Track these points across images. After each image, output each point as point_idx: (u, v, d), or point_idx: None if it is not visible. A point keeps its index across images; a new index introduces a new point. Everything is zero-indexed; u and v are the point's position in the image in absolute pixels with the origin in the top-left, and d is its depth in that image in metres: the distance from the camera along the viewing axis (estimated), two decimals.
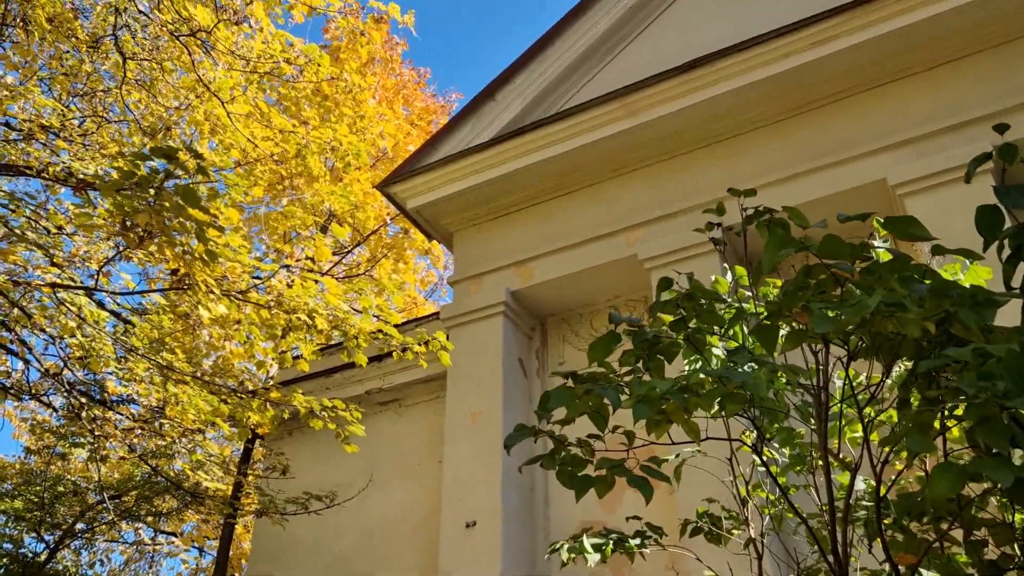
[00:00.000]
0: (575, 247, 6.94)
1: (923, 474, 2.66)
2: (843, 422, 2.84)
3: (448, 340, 6.02)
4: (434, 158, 7.61)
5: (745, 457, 3.10)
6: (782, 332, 2.39)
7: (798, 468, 3.16)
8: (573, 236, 6.98)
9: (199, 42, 6.94)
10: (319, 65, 6.07)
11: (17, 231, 7.11)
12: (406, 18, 7.40)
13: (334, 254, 11.34)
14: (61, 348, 6.90)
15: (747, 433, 2.86)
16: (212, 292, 5.20)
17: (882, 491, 2.32)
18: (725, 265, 3.16)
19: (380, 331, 5.76)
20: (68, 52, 7.96)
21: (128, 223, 4.25)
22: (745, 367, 2.36)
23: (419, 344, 5.99)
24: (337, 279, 10.79)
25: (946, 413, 1.95)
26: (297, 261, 8.88)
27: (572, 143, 6.93)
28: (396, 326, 5.76)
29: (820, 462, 2.71)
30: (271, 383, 8.76)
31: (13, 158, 6.99)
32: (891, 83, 6.02)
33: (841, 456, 2.73)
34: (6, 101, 7.11)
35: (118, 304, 7.20)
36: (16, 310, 6.53)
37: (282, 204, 9.90)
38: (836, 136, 6.10)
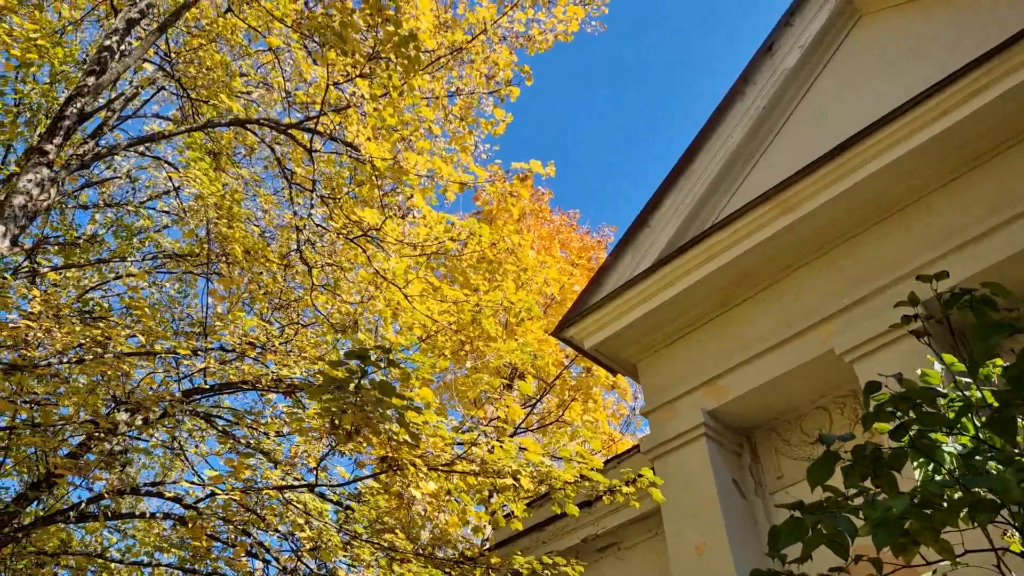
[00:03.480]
0: (764, 354, 6.70)
1: None
2: None
3: (654, 473, 5.87)
4: (601, 295, 7.72)
5: (1019, 561, 2.76)
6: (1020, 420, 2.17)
7: None
8: (759, 343, 6.75)
9: (370, 239, 7.61)
10: (480, 236, 6.45)
11: (242, 441, 7.78)
12: (548, 169, 7.79)
13: (523, 406, 11.55)
14: (293, 543, 7.34)
15: (1009, 535, 2.56)
16: (420, 470, 5.42)
17: None
18: (929, 356, 2.93)
19: (584, 477, 5.73)
20: (261, 273, 8.91)
21: (336, 422, 4.57)
22: (988, 467, 2.15)
23: (626, 483, 5.89)
24: (531, 430, 10.91)
25: None
26: (490, 422, 9.11)
27: (734, 251, 6.84)
28: (599, 469, 5.72)
29: None
30: (487, 545, 8.82)
31: (232, 377, 7.75)
32: None
33: None
34: (220, 329, 8.00)
35: (337, 494, 7.63)
36: (251, 514, 7.03)
37: (466, 368, 10.33)
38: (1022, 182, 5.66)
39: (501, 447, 5.51)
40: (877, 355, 5.79)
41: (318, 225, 7.88)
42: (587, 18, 8.69)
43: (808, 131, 7.23)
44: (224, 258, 8.78)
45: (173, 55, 9.82)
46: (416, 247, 7.20)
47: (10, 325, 7.21)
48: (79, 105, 7.20)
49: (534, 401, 11.80)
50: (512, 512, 6.35)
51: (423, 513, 8.31)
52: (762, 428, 7.07)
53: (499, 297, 7.19)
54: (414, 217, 7.17)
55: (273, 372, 7.39)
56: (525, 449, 5.67)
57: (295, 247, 8.27)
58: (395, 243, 7.31)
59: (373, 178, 7.06)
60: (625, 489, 5.79)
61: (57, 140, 6.98)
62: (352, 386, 4.42)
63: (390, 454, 5.47)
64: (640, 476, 5.77)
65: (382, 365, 4.49)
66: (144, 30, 8.59)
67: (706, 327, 7.25)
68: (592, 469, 5.56)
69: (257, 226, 9.70)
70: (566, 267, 12.00)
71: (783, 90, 7.53)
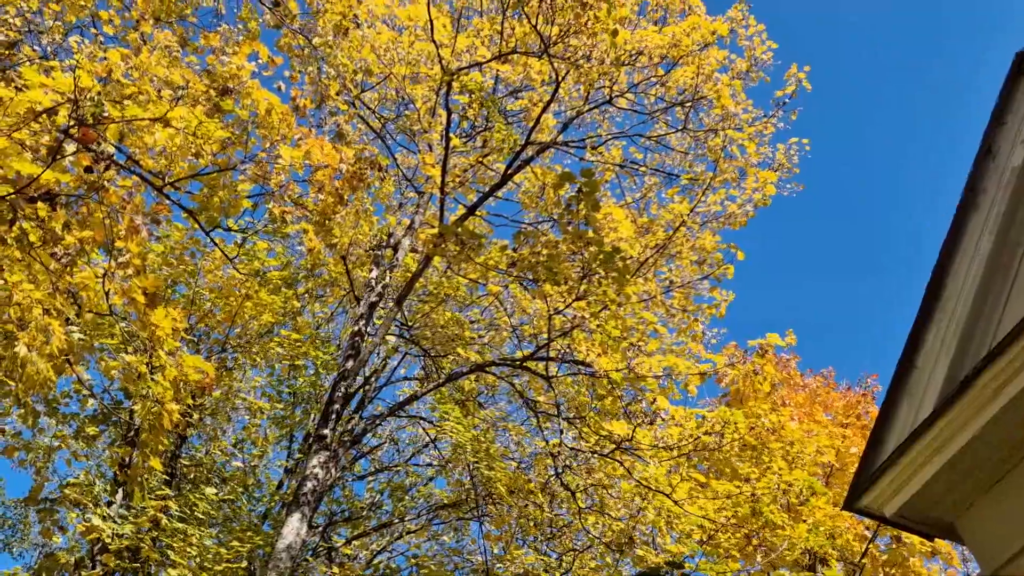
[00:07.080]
0: None
1: None
2: None
3: None
4: (885, 455, 6.91)
5: None
6: None
7: None
8: None
9: (624, 450, 7.51)
10: (735, 424, 6.18)
11: None
12: (787, 339, 7.46)
13: None
14: None
15: None
16: None
17: None
18: None
19: None
20: (527, 506, 9.00)
21: None
22: None
23: None
24: None
25: None
26: None
27: None
28: None
29: None
30: None
31: None
32: None
33: None
34: (502, 572, 8.05)
35: None
36: None
37: (759, 563, 9.51)
38: None
39: None
40: None
41: (571, 448, 7.95)
42: (780, 181, 8.62)
43: None
44: (490, 498, 9.02)
45: (409, 323, 10.85)
46: (672, 448, 7.01)
47: None
48: (343, 389, 8.03)
49: None
50: None
51: None
52: None
53: (773, 480, 6.70)
54: (663, 419, 7.05)
55: None
56: None
57: (553, 472, 8.35)
58: (650, 449, 7.16)
59: (612, 390, 7.10)
60: None
61: (331, 424, 7.75)
62: None
63: None
64: None
65: None
66: (383, 309, 9.62)
67: None
68: None
69: (513, 459, 9.96)
70: (835, 430, 11.08)
71: (1020, 188, 6.88)
